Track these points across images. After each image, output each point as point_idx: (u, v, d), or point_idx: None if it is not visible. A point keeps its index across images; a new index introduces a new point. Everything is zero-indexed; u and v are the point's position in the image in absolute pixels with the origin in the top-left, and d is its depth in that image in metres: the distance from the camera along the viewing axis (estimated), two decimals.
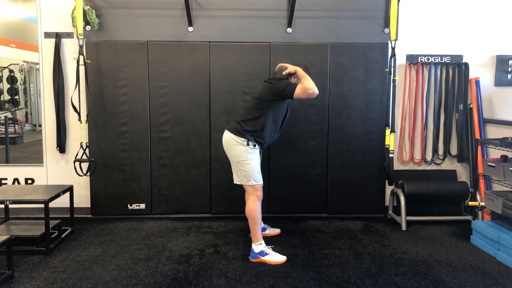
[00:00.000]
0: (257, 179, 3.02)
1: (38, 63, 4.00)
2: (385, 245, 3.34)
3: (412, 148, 4.21)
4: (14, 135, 5.94)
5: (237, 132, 3.01)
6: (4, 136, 5.09)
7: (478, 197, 3.80)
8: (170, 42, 3.92)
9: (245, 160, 2.98)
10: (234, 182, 3.12)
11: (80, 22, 3.64)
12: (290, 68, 3.03)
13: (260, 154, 3.18)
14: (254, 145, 3.01)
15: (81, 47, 3.69)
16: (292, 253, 3.14)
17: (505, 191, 3.42)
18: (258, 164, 3.07)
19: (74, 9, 3.75)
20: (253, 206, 3.03)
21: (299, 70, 3.00)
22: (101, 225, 3.80)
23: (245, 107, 3.19)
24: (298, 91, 2.87)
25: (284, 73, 3.04)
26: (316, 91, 2.88)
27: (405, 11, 4.05)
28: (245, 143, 2.98)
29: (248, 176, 2.99)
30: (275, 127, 3.12)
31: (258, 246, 3.02)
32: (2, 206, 3.59)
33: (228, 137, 3.06)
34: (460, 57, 4.13)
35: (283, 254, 3.07)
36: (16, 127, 6.23)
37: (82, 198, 4.05)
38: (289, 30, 3.97)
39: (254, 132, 3.00)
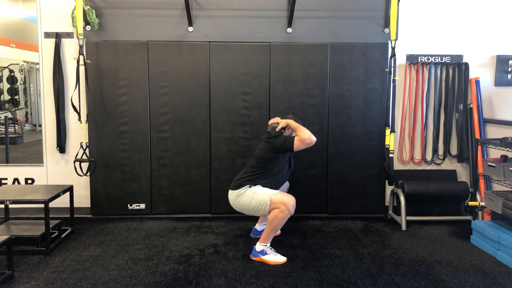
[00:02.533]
0: (270, 193, 2.95)
1: (38, 63, 4.00)
2: (385, 245, 3.34)
3: (412, 148, 4.21)
4: (14, 135, 5.94)
5: (239, 186, 3.04)
6: (4, 136, 5.09)
7: (478, 197, 3.80)
8: (170, 42, 3.92)
9: (252, 195, 2.98)
10: (266, 216, 3.07)
11: (80, 22, 3.64)
12: (282, 123, 3.08)
13: None
14: (256, 184, 3.04)
15: (81, 47, 3.69)
16: (292, 253, 3.14)
17: (505, 191, 3.42)
18: (261, 187, 3.03)
19: (74, 9, 3.75)
20: (280, 214, 2.89)
21: (291, 122, 3.05)
22: (101, 225, 3.80)
23: (248, 165, 3.17)
24: (297, 144, 2.92)
25: (277, 129, 3.07)
26: (314, 138, 2.92)
27: (405, 11, 4.05)
28: (248, 187, 3.02)
29: (264, 198, 2.93)
30: (279, 179, 3.17)
31: (262, 246, 3.02)
32: (2, 206, 3.59)
33: (233, 195, 3.08)
34: (460, 57, 4.13)
35: (283, 254, 3.07)
36: (16, 127, 6.23)
37: (82, 198, 4.05)
38: (289, 30, 3.97)
39: (258, 184, 3.04)
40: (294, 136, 2.98)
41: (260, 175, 3.05)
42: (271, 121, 3.20)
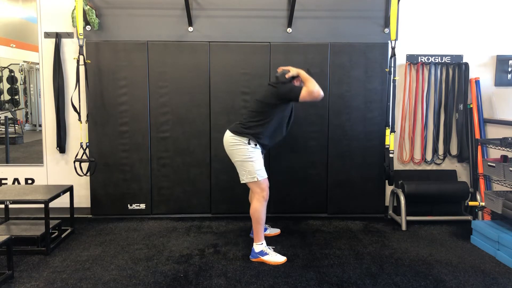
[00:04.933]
0: (261, 175, 2.99)
1: (38, 63, 4.00)
2: (385, 245, 3.34)
3: (412, 148, 4.21)
4: (14, 135, 5.95)
5: (238, 133, 3.00)
6: (4, 136, 5.10)
7: (478, 197, 3.80)
8: (170, 42, 3.92)
9: (248, 158, 2.96)
10: (241, 182, 3.09)
11: (80, 22, 3.64)
12: (293, 71, 3.02)
13: (262, 154, 3.15)
14: (256, 145, 3.00)
15: (81, 47, 3.69)
16: (292, 253, 3.14)
17: (505, 191, 3.42)
18: (261, 161, 3.04)
19: (74, 9, 3.75)
20: (258, 206, 3.01)
21: (302, 73, 2.99)
22: (101, 225, 3.80)
23: (249, 110, 3.16)
24: (303, 94, 2.86)
25: (287, 76, 3.01)
26: (322, 93, 2.88)
27: (405, 11, 4.05)
28: (246, 142, 2.97)
29: (252, 173, 2.97)
30: (279, 130, 3.11)
31: (259, 245, 3.03)
32: (2, 206, 3.59)
33: (228, 137, 3.05)
34: (460, 57, 4.13)
35: (283, 254, 3.07)
36: (16, 127, 6.24)
37: (82, 198, 4.05)
38: (289, 30, 3.97)
39: (256, 134, 2.98)
40: (301, 87, 2.92)
41: (260, 123, 2.97)
42: (281, 68, 3.11)
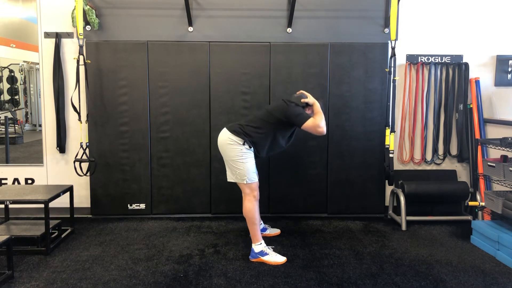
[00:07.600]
0: (252, 178, 2.98)
1: (38, 63, 4.00)
2: (385, 245, 3.34)
3: (412, 148, 4.21)
4: (14, 135, 5.94)
5: (235, 132, 2.99)
6: (4, 136, 5.09)
7: (478, 197, 3.80)
8: (170, 42, 3.92)
9: (240, 159, 2.96)
10: (228, 180, 3.09)
11: (80, 22, 3.64)
12: (310, 99, 3.04)
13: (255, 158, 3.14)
14: (250, 147, 2.99)
15: (81, 47, 3.69)
16: (292, 253, 3.14)
17: (505, 191, 3.42)
18: (253, 163, 3.02)
19: (74, 9, 3.75)
20: (250, 206, 3.01)
21: (316, 105, 3.01)
22: (101, 225, 3.80)
23: (255, 114, 3.15)
24: (308, 124, 2.88)
25: (302, 100, 3.03)
26: (325, 131, 2.91)
27: (405, 11, 4.05)
28: (242, 143, 2.97)
29: (243, 174, 2.96)
30: (274, 146, 3.10)
31: (258, 246, 3.03)
32: (2, 206, 3.59)
33: (225, 135, 3.04)
34: (460, 57, 4.14)
35: (283, 254, 3.07)
36: (16, 127, 6.23)
37: (82, 198, 4.05)
38: (289, 30, 3.97)
39: (253, 139, 2.98)
40: (310, 116, 2.93)
41: (257, 131, 2.98)
42: (302, 91, 3.13)
